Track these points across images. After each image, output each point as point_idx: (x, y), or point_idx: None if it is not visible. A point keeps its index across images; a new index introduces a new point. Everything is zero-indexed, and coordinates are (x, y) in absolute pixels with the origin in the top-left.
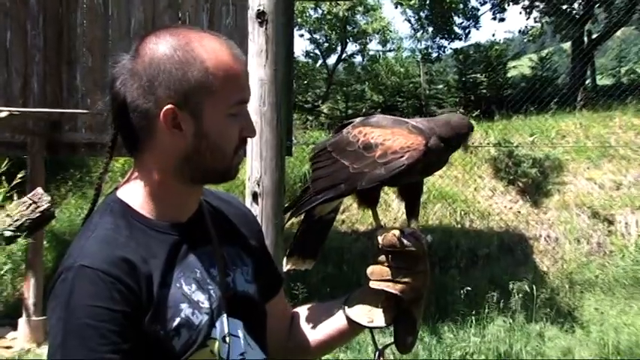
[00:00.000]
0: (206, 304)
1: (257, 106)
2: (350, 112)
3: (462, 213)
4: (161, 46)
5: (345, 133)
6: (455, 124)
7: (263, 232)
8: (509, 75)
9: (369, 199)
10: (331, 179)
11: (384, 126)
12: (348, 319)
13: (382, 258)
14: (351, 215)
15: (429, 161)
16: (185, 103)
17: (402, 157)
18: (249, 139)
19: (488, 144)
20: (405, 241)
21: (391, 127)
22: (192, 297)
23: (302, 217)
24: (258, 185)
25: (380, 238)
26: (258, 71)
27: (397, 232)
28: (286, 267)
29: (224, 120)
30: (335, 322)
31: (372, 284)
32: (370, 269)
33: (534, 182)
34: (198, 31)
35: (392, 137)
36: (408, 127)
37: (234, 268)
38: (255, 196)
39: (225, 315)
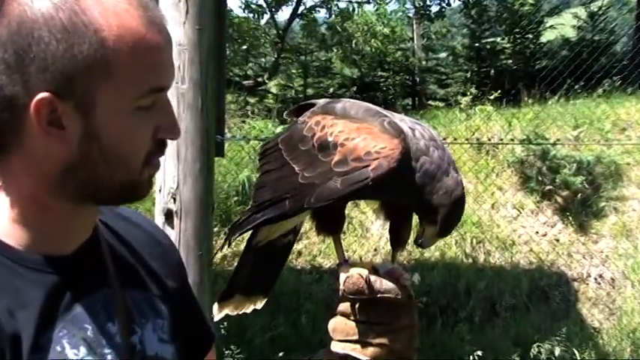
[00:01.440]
0: None
1: (172, 85)
2: (310, 92)
3: (475, 242)
4: (37, 4)
5: (299, 122)
6: (455, 201)
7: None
8: (543, 39)
9: (327, 222)
10: (275, 191)
11: (350, 117)
12: None
13: (347, 308)
14: (311, 245)
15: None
16: (69, 90)
17: (366, 166)
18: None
19: (512, 140)
20: (378, 285)
21: (360, 119)
22: None
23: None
24: (174, 200)
25: (341, 280)
26: (174, 32)
27: (364, 272)
28: (220, 313)
29: (129, 116)
30: None
31: (334, 346)
32: (332, 324)
33: (580, 197)
34: None
35: (357, 136)
36: (383, 122)
37: (143, 323)
38: (169, 216)
39: None
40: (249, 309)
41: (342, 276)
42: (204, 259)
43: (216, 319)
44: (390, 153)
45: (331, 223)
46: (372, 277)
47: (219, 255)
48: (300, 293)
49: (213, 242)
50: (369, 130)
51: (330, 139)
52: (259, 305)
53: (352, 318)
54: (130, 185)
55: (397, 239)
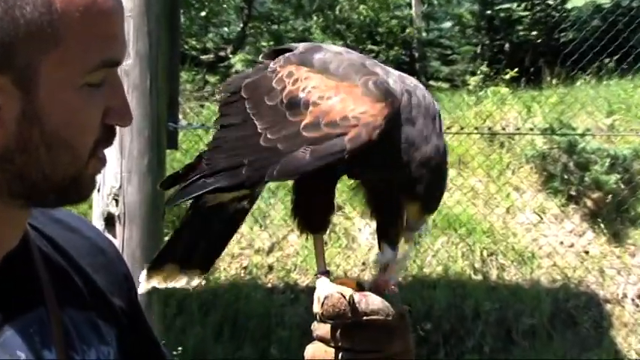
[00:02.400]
0: None
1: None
2: None
3: (485, 254)
4: None
5: (269, 70)
6: (436, 171)
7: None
8: (569, 5)
9: (313, 212)
10: (232, 153)
11: (330, 71)
12: None
13: (326, 333)
14: (285, 257)
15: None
16: (7, 61)
17: (342, 134)
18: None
19: (531, 130)
20: (363, 305)
21: (341, 76)
22: None
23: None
24: (116, 202)
25: (317, 299)
26: None
27: (348, 291)
28: (148, 283)
29: (76, 94)
30: None
31: None
32: (309, 352)
33: (614, 199)
34: None
35: (334, 95)
36: (367, 81)
37: (85, 350)
38: (109, 221)
39: None
40: (181, 283)
41: (320, 293)
42: None
43: (141, 290)
44: (370, 120)
45: (315, 217)
46: (357, 296)
47: None
48: (271, 317)
49: None
50: (349, 89)
51: (301, 95)
52: (194, 282)
53: (333, 344)
54: (74, 179)
55: (386, 237)
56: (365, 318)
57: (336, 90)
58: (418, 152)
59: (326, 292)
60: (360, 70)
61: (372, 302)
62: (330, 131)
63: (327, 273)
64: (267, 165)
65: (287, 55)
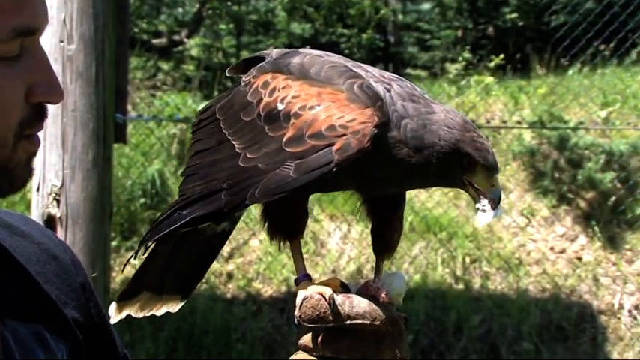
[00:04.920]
0: None
1: (54, 44)
2: (245, 55)
3: (468, 261)
4: None
5: (242, 84)
6: (463, 129)
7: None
8: None
9: (284, 221)
10: (209, 179)
11: (311, 76)
12: None
13: (309, 341)
14: (246, 264)
15: (379, 166)
16: None
17: (329, 145)
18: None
19: (518, 123)
20: (347, 307)
21: (323, 81)
22: None
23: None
24: (58, 202)
25: (297, 303)
26: None
27: (328, 291)
28: (119, 314)
29: None
30: None
31: None
32: None
33: (610, 200)
34: None
35: (317, 103)
36: (352, 85)
37: None
38: (50, 223)
39: None
40: (159, 310)
41: (300, 296)
42: (100, 282)
43: (113, 321)
44: (360, 128)
45: (289, 221)
46: (339, 298)
47: (119, 277)
48: (231, 331)
49: (112, 261)
50: (333, 95)
51: (280, 106)
52: (175, 308)
53: (315, 353)
54: (3, 168)
55: (383, 243)
56: (349, 322)
57: (318, 98)
58: (434, 127)
59: (305, 293)
60: (344, 73)
61: (357, 305)
62: (316, 143)
63: (306, 277)
64: (248, 187)
65: (260, 64)
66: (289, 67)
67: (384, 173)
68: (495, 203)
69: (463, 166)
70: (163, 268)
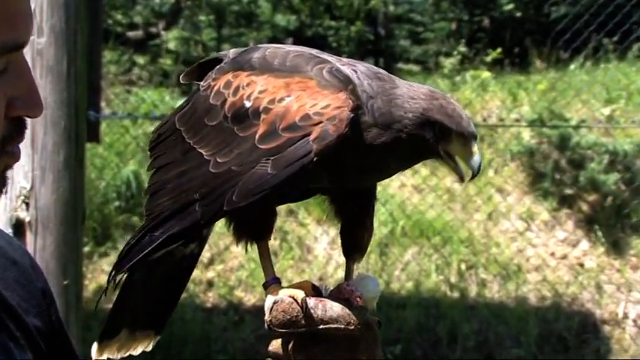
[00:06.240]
0: None
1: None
2: (226, 48)
3: (464, 267)
4: None
5: (202, 89)
6: (430, 97)
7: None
8: None
9: (250, 223)
10: (178, 192)
11: (273, 69)
12: None
13: (278, 348)
14: (227, 272)
15: (357, 153)
16: None
17: (305, 135)
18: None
19: (517, 121)
20: (320, 312)
21: (289, 71)
22: None
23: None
24: (27, 206)
25: (267, 307)
26: None
27: (300, 294)
28: (100, 356)
29: None
30: None
31: None
32: None
33: (613, 202)
34: None
35: (287, 94)
36: (321, 70)
37: None
38: (19, 228)
39: None
40: (136, 350)
41: (269, 300)
42: (72, 290)
43: None
44: (336, 113)
45: (256, 223)
46: (312, 301)
47: (92, 285)
48: (211, 342)
49: (84, 267)
50: (302, 84)
51: (248, 104)
52: (149, 346)
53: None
54: None
55: (353, 244)
56: (322, 327)
57: (287, 89)
58: (398, 101)
59: (275, 297)
60: (311, 60)
61: (330, 308)
62: (291, 135)
63: (276, 280)
64: (224, 192)
65: (219, 65)
66: (251, 63)
67: (359, 160)
68: (476, 171)
69: (436, 135)
70: (136, 301)
